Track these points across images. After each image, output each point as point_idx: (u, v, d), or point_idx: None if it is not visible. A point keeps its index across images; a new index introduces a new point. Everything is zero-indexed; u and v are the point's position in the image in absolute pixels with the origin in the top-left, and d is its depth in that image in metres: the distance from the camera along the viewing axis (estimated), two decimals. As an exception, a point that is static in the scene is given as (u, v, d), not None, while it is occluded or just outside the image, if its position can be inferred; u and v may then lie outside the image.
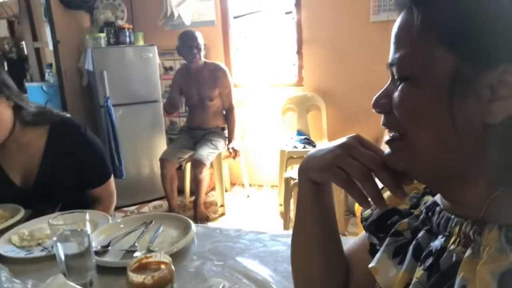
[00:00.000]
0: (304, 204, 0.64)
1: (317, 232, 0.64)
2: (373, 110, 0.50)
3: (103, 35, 3.25)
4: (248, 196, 3.58)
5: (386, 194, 0.59)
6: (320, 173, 0.57)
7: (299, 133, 3.38)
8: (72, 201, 1.33)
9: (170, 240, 0.99)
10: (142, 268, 0.74)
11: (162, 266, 0.73)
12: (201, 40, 3.02)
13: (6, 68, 4.64)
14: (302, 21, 3.36)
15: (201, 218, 3.11)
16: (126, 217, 1.14)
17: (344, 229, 2.75)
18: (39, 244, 1.01)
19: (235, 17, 3.67)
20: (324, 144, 0.60)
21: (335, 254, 0.66)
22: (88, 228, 0.82)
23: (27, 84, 4.02)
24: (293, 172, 2.65)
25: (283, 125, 3.45)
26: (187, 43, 2.99)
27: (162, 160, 3.07)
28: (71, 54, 3.51)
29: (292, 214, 2.83)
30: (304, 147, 3.08)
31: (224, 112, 3.26)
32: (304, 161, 0.61)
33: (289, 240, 0.94)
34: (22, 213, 1.20)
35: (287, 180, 2.57)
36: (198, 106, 3.16)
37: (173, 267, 0.72)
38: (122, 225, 1.07)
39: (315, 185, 0.60)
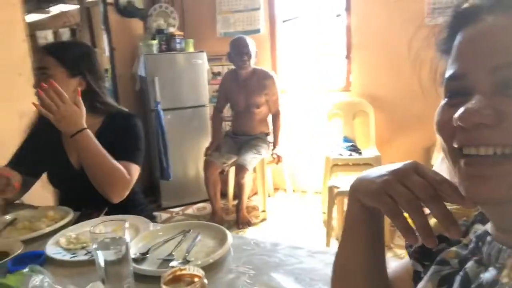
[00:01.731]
0: (351, 225, 0.61)
1: (363, 256, 0.61)
2: (460, 123, 0.45)
3: (155, 42, 3.38)
4: (291, 202, 3.55)
5: (433, 221, 0.55)
6: (367, 197, 0.54)
7: (346, 139, 3.29)
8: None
9: (206, 250, 0.99)
10: (176, 280, 0.75)
11: (195, 279, 0.73)
12: (252, 47, 3.04)
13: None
14: (352, 25, 3.28)
15: (243, 222, 3.13)
16: (166, 224, 1.16)
17: (390, 241, 2.64)
18: (83, 248, 1.06)
19: (283, 21, 3.66)
20: (379, 167, 0.56)
21: (379, 280, 0.63)
22: (126, 236, 0.84)
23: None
24: (337, 180, 2.59)
25: (328, 131, 3.38)
26: (238, 49, 3.02)
27: (206, 164, 3.12)
28: (126, 60, 3.67)
29: (335, 222, 2.77)
30: (350, 155, 3.00)
31: (269, 117, 3.25)
32: (355, 181, 0.58)
33: (326, 258, 0.92)
34: (71, 215, 1.27)
35: (331, 189, 2.51)
36: (244, 113, 3.19)
37: (205, 280, 0.72)
38: (161, 233, 1.10)
39: (365, 208, 0.57)
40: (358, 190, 0.56)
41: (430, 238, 0.47)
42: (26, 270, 0.74)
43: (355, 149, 3.08)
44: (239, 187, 3.09)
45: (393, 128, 3.27)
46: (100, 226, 0.85)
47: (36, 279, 0.72)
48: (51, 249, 1.04)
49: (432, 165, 2.84)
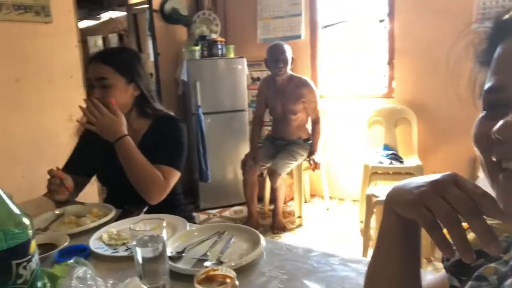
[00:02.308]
0: (385, 235, 0.60)
1: (396, 267, 0.59)
2: (499, 137, 0.44)
3: (197, 48, 3.47)
4: (327, 209, 3.51)
5: (471, 235, 0.53)
6: (404, 208, 0.53)
7: (386, 147, 3.21)
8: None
9: (239, 252, 1.01)
10: (208, 280, 0.77)
11: (227, 280, 0.75)
12: (288, 54, 3.03)
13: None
14: (395, 30, 3.21)
15: (278, 227, 3.13)
16: (202, 225, 1.19)
17: (430, 254, 2.54)
18: (124, 244, 1.11)
19: (324, 27, 3.65)
20: (417, 177, 0.55)
21: None
22: (164, 235, 0.87)
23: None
24: (376, 189, 2.53)
25: (368, 138, 3.32)
26: (274, 56, 3.02)
27: (244, 166, 3.15)
28: (169, 65, 3.80)
29: (373, 232, 2.70)
30: (391, 163, 2.93)
31: (308, 123, 3.24)
32: (391, 191, 0.57)
33: (359, 267, 0.91)
34: (113, 212, 1.33)
35: (369, 197, 2.46)
36: (281, 119, 3.19)
37: (237, 282, 0.74)
38: (196, 233, 1.13)
39: (400, 218, 0.55)
40: (394, 200, 0.56)
41: (469, 253, 0.45)
42: (71, 261, 0.79)
43: (396, 157, 3.00)
44: (273, 191, 3.11)
45: (437, 137, 3.16)
46: (139, 224, 0.90)
47: (80, 271, 0.76)
48: (95, 244, 1.10)
49: (478, 176, 2.72)
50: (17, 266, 0.64)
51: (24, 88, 2.62)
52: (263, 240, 1.03)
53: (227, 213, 3.60)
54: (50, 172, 1.41)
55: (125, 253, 1.05)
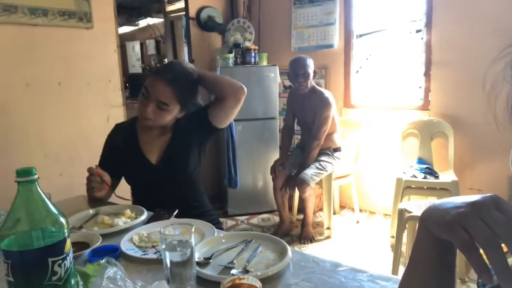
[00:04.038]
0: (420, 255, 0.58)
1: None
2: None
3: (231, 55, 3.51)
4: (357, 222, 3.44)
5: (511, 260, 0.51)
6: (440, 228, 0.51)
7: (420, 161, 3.12)
8: (188, 196, 1.59)
9: (266, 262, 1.01)
10: (234, 288, 0.77)
11: (253, 290, 0.75)
12: (310, 67, 2.99)
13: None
14: (433, 41, 3.12)
15: (306, 237, 3.10)
16: (229, 232, 1.20)
17: (464, 274, 2.43)
18: (153, 247, 1.13)
19: (359, 36, 3.61)
20: (455, 197, 0.54)
21: None
22: (192, 240, 0.88)
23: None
24: (409, 204, 2.46)
25: (402, 151, 3.23)
26: (295, 71, 3.02)
27: (274, 171, 3.15)
28: (203, 71, 3.86)
29: (404, 248, 2.62)
30: (425, 177, 2.84)
31: (337, 133, 3.20)
32: (427, 210, 0.56)
33: (388, 285, 0.88)
34: (145, 214, 1.36)
35: (401, 212, 2.39)
36: (306, 129, 3.18)
37: (263, 292, 0.73)
38: (224, 240, 1.13)
39: (435, 239, 0.53)
40: (430, 220, 0.54)
41: (509, 280, 0.44)
42: (103, 261, 0.81)
43: (430, 172, 2.90)
44: (301, 201, 3.08)
45: (475, 153, 3.03)
46: (169, 228, 0.91)
47: (111, 271, 0.78)
48: (125, 245, 1.13)
49: (518, 195, 2.59)
50: (52, 263, 0.67)
51: (65, 90, 2.74)
52: (290, 251, 1.02)
53: (255, 220, 3.59)
54: (89, 169, 1.47)
55: (154, 256, 1.06)
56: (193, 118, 1.59)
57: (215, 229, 1.20)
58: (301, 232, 3.15)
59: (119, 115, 3.10)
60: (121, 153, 1.61)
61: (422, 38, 3.19)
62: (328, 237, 3.17)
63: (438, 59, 3.12)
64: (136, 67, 5.72)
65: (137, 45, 5.62)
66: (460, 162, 3.03)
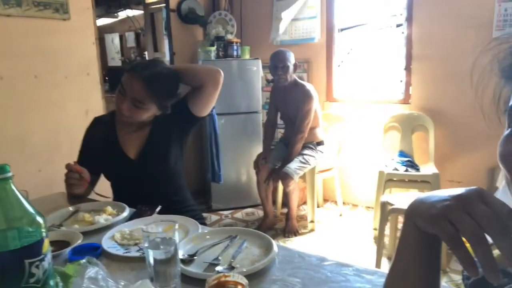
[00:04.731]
0: (404, 249, 0.58)
1: (415, 282, 0.57)
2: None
3: (213, 48, 3.47)
4: (340, 215, 3.47)
5: (495, 252, 0.51)
6: (425, 222, 0.51)
7: (402, 154, 3.16)
8: (170, 191, 1.56)
9: (252, 258, 1.00)
10: (220, 285, 0.76)
11: (239, 287, 0.74)
12: (289, 61, 2.98)
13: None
14: (413, 35, 3.15)
15: (290, 231, 3.11)
16: (214, 228, 1.18)
17: (446, 265, 2.49)
18: (136, 244, 1.10)
19: (340, 30, 3.62)
20: (440, 190, 0.53)
21: None
22: (176, 237, 0.86)
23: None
24: (391, 196, 2.48)
25: (384, 144, 3.27)
26: (274, 64, 3.01)
27: (257, 165, 3.14)
28: (184, 64, 3.80)
29: (387, 240, 2.66)
30: (407, 170, 2.88)
31: (320, 127, 3.20)
32: (413, 203, 0.55)
33: (374, 279, 0.88)
34: (127, 211, 1.33)
35: (384, 205, 2.42)
36: (289, 123, 3.18)
37: (249, 289, 0.72)
38: (208, 236, 1.12)
39: (421, 232, 0.53)
40: (416, 213, 0.53)
41: (495, 273, 0.43)
42: (83, 261, 0.78)
43: (412, 164, 2.94)
44: (285, 195, 3.09)
45: (455, 145, 3.09)
46: (152, 225, 0.89)
47: (92, 271, 0.75)
48: (107, 243, 1.10)
49: (497, 187, 2.65)
50: (30, 265, 0.64)
51: (42, 84, 2.66)
52: (275, 246, 1.01)
53: (239, 214, 3.59)
54: (68, 166, 1.42)
55: (137, 254, 1.04)
56: (172, 110, 1.55)
57: (199, 225, 1.19)
58: (285, 225, 3.16)
59: (98, 109, 3.02)
60: (99, 148, 1.56)
61: (403, 32, 3.21)
62: (312, 230, 3.19)
63: (418, 53, 3.16)
64: (115, 59, 5.61)
65: (116, 38, 5.51)
66: (440, 155, 3.08)
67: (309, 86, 3.06)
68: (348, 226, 3.27)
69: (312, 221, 3.20)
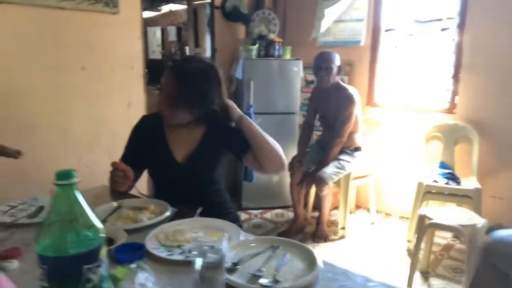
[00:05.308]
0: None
1: None
2: None
3: (255, 47, 3.46)
4: (372, 223, 3.40)
5: None
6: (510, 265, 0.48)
7: (443, 165, 3.05)
8: (211, 194, 1.56)
9: (295, 272, 0.98)
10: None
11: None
12: (333, 62, 2.93)
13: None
14: (464, 43, 3.02)
15: (320, 236, 3.07)
16: (256, 237, 1.17)
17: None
18: (178, 246, 1.11)
19: (386, 30, 3.51)
20: None
21: None
22: (224, 245, 0.86)
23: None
24: (429, 210, 2.40)
25: (425, 154, 3.16)
26: (317, 64, 2.97)
27: (291, 167, 3.11)
28: (225, 61, 3.82)
29: (421, 253, 2.58)
30: (447, 183, 2.77)
31: (359, 133, 3.13)
32: (493, 244, 0.52)
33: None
34: (169, 211, 1.34)
35: (422, 218, 2.34)
36: (327, 126, 3.12)
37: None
38: (252, 244, 1.11)
39: (501, 273, 0.50)
40: (497, 255, 0.50)
41: None
42: (133, 266, 0.79)
43: (453, 177, 2.83)
44: (319, 199, 3.05)
45: (499, 160, 2.95)
46: (200, 233, 0.89)
47: (142, 277, 0.76)
48: (150, 243, 1.11)
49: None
50: (87, 270, 0.65)
51: (88, 75, 2.73)
52: (320, 261, 0.99)
53: (269, 215, 3.58)
54: (113, 164, 1.45)
55: (181, 257, 1.04)
56: (228, 136, 1.52)
57: (240, 231, 1.18)
58: (316, 230, 3.12)
59: (140, 102, 3.09)
60: (146, 146, 1.58)
61: (453, 39, 3.08)
62: (343, 237, 3.14)
63: (468, 62, 3.02)
64: (156, 53, 5.70)
65: (158, 31, 5.59)
66: (483, 169, 2.95)
67: (352, 90, 2.99)
68: (380, 235, 3.19)
69: (343, 228, 3.15)
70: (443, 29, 3.20)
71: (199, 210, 1.37)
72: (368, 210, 3.54)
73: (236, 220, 1.74)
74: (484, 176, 2.93)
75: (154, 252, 1.07)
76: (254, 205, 3.64)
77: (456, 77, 3.09)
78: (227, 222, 1.25)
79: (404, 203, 3.43)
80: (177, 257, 1.05)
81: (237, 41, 3.86)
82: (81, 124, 2.78)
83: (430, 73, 3.32)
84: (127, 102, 3.01)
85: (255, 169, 1.55)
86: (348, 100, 2.93)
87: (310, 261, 1.01)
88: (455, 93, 3.12)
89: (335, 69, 2.93)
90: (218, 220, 1.30)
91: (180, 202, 1.44)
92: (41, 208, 1.36)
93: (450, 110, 3.16)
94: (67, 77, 2.63)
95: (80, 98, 2.73)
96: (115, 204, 1.41)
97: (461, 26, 3.02)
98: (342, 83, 3.04)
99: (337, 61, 2.95)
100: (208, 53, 4.15)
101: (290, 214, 3.56)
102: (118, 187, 1.49)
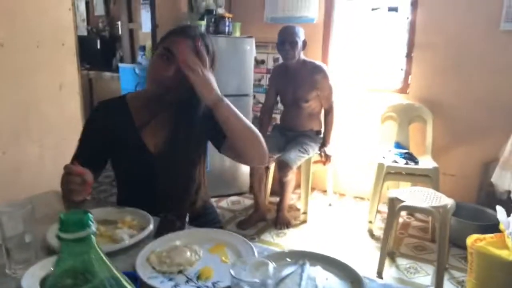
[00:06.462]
0: None
1: None
2: None
3: (203, 23, 3.15)
4: (330, 205, 3.37)
5: None
6: None
7: (398, 145, 3.08)
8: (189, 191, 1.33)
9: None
10: None
11: None
12: (299, 36, 2.81)
13: (98, 46, 4.77)
14: (417, 22, 3.03)
15: (282, 222, 2.96)
16: (274, 253, 0.96)
17: (446, 261, 2.45)
18: (180, 272, 0.87)
19: (339, 12, 3.42)
20: None
21: None
22: (270, 283, 0.65)
23: (120, 65, 4.07)
24: (399, 192, 2.37)
25: (380, 134, 3.16)
26: (281, 38, 2.82)
27: None
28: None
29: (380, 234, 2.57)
30: (406, 163, 2.79)
31: (321, 114, 3.04)
32: None
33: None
34: (151, 223, 1.08)
35: (392, 201, 2.30)
36: (292, 107, 2.98)
37: None
38: (273, 261, 0.90)
39: None
40: None
41: None
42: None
43: (410, 157, 2.86)
44: (281, 185, 2.91)
45: (452, 138, 3.05)
46: (195, 246, 0.67)
47: None
48: (144, 271, 0.86)
49: (491, 182, 2.63)
50: None
51: (8, 52, 2.24)
52: (364, 280, 0.82)
53: (224, 203, 3.38)
54: (67, 168, 1.13)
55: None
56: (207, 123, 1.27)
57: (252, 247, 0.96)
58: (277, 217, 2.99)
59: (73, 84, 2.65)
60: (110, 138, 1.27)
61: (407, 18, 3.07)
62: (304, 221, 3.06)
63: (422, 40, 3.04)
64: (80, 28, 5.05)
65: (82, 4, 4.95)
66: (438, 148, 3.03)
67: (318, 62, 2.95)
68: (340, 217, 3.16)
69: (305, 213, 3.06)
70: (390, 9, 3.18)
71: (187, 219, 1.13)
72: (323, 191, 3.50)
73: (218, 221, 1.53)
74: (437, 154, 3.01)
75: (153, 283, 0.82)
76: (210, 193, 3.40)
77: (409, 56, 3.11)
78: (226, 232, 1.04)
79: (359, 183, 3.44)
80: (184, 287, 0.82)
81: (181, 16, 3.50)
82: (3, 110, 2.29)
83: (384, 52, 3.31)
84: (58, 84, 2.56)
85: (233, 158, 1.31)
86: (321, 71, 2.88)
87: (353, 279, 0.84)
88: (408, 72, 3.14)
89: (300, 44, 2.78)
90: (212, 231, 1.09)
91: (154, 206, 1.18)
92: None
93: (404, 90, 3.18)
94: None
95: (1, 79, 2.24)
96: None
97: (415, 4, 3.01)
98: (307, 58, 2.92)
99: (301, 35, 2.82)
100: (146, 29, 3.75)
101: (247, 201, 3.40)
102: (75, 196, 1.16)
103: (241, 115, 1.20)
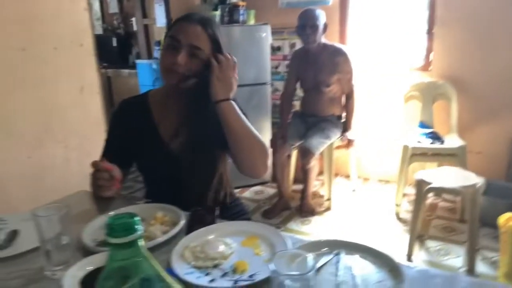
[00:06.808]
0: None
1: None
2: None
3: (217, 13, 3.13)
4: (354, 190, 3.33)
5: None
6: None
7: (422, 125, 3.01)
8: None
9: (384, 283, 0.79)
10: None
11: None
12: (319, 20, 2.76)
13: (114, 44, 4.81)
14: (437, -3, 2.93)
15: (306, 210, 2.95)
16: (306, 243, 0.96)
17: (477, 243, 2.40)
18: (215, 266, 0.88)
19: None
20: None
21: None
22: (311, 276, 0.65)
23: (137, 61, 4.10)
24: (426, 173, 2.32)
25: (404, 114, 3.10)
26: (301, 22, 2.78)
27: (274, 146, 2.91)
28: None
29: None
30: (432, 143, 2.73)
31: (341, 98, 2.99)
32: None
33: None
34: (183, 218, 1.09)
35: (419, 184, 2.25)
36: (313, 91, 2.94)
37: None
38: (306, 252, 0.90)
39: None
40: None
41: None
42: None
43: (435, 136, 2.79)
44: (304, 172, 2.89)
45: (478, 115, 2.96)
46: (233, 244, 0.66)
47: None
48: (181, 267, 0.86)
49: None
50: None
51: (29, 58, 2.28)
52: (403, 267, 0.81)
53: (247, 193, 3.39)
54: (95, 164, 1.15)
55: (227, 284, 0.81)
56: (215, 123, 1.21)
57: (283, 238, 0.96)
58: (301, 204, 2.99)
59: (94, 85, 2.68)
60: (133, 135, 1.28)
61: (426, -6, 2.98)
62: (328, 208, 3.04)
63: (442, 16, 2.95)
64: (96, 27, 5.10)
65: (96, 3, 4.98)
66: (463, 126, 2.95)
67: (338, 44, 2.91)
68: (365, 202, 3.14)
69: (329, 199, 3.05)
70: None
71: (217, 213, 1.14)
72: (346, 177, 3.47)
73: (245, 213, 1.53)
74: (464, 132, 2.93)
75: (190, 279, 0.83)
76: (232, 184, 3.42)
77: (430, 33, 3.01)
78: (256, 224, 1.04)
79: (383, 166, 3.39)
80: (221, 283, 0.82)
81: (194, 8, 3.49)
82: (26, 115, 2.34)
83: (404, 30, 3.22)
84: (79, 86, 2.59)
85: (234, 162, 1.26)
86: (342, 54, 2.85)
87: (391, 267, 0.83)
88: (429, 50, 3.05)
89: (321, 27, 2.74)
90: (242, 223, 1.09)
91: (180, 201, 1.19)
92: (14, 234, 1.05)
93: (426, 67, 3.09)
94: (4, 60, 2.17)
95: (22, 85, 2.29)
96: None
97: (434, -21, 2.91)
98: (328, 42, 2.88)
99: (322, 18, 2.77)
100: (160, 24, 3.76)
101: (270, 190, 3.40)
102: (104, 192, 1.20)
103: (246, 121, 1.18)
